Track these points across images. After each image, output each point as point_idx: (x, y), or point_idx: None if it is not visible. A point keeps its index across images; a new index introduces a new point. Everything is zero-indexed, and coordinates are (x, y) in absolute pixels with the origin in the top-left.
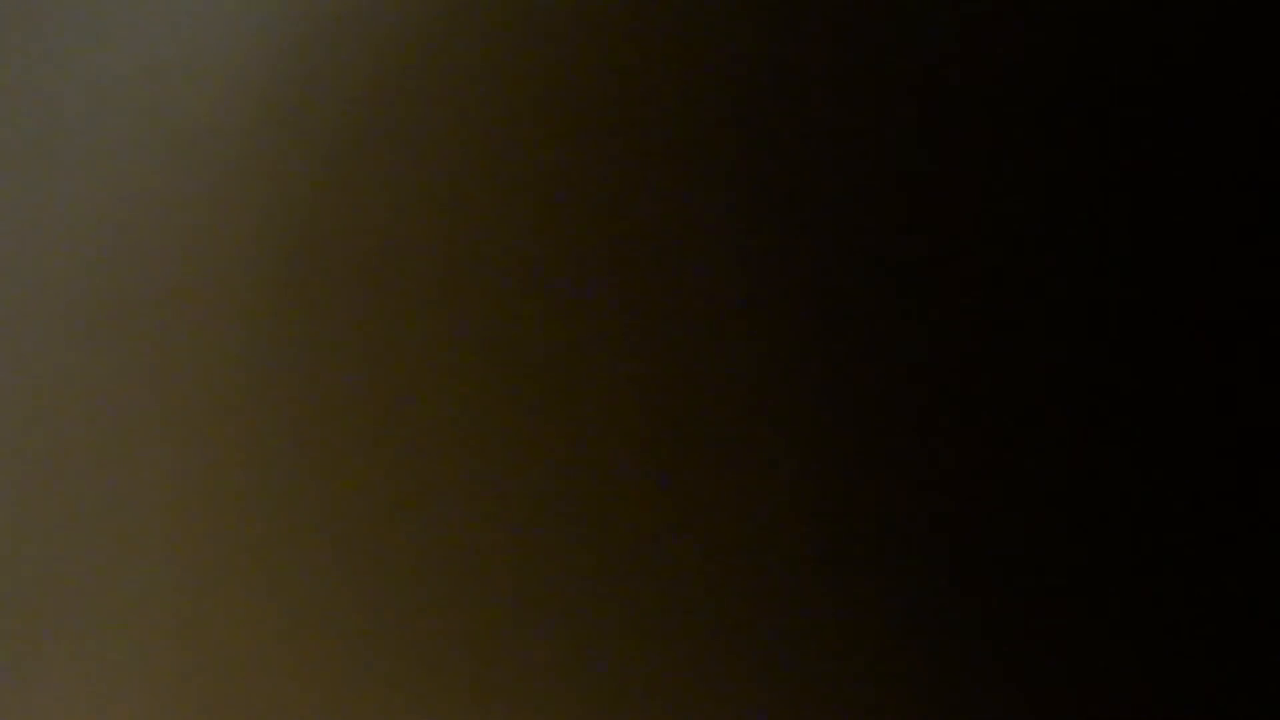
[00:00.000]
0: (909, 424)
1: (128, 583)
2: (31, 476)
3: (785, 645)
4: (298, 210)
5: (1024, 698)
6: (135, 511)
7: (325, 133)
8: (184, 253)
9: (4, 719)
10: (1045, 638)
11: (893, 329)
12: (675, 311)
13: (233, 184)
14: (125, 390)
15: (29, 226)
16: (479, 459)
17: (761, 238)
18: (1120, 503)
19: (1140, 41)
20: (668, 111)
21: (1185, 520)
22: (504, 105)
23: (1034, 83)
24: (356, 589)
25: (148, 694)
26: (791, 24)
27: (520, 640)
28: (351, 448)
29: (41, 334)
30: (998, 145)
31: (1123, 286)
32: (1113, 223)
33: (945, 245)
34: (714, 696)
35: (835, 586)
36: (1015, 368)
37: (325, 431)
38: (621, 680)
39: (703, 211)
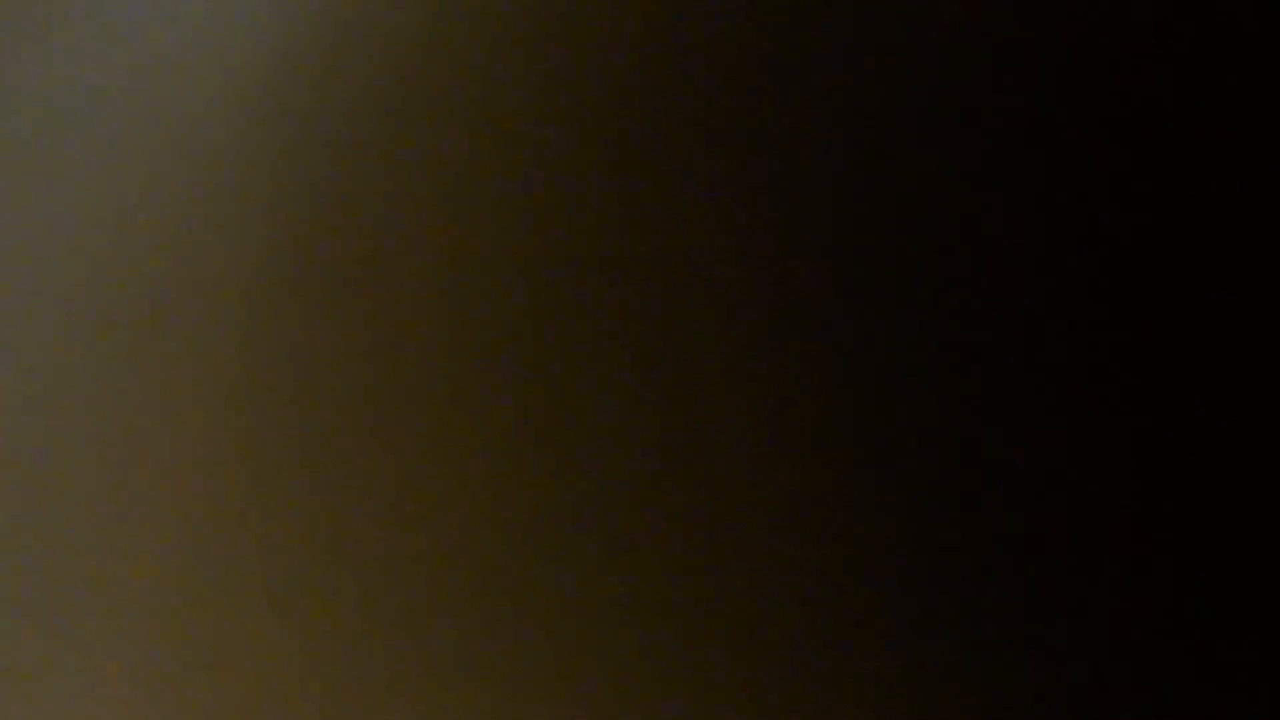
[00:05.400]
0: (913, 428)
1: (128, 583)
2: (32, 476)
3: (787, 649)
4: (298, 210)
5: (1027, 701)
6: (135, 511)
7: (326, 132)
8: (184, 252)
9: (3, 719)
10: (1049, 641)
11: (896, 331)
12: (677, 312)
13: (233, 184)
14: (125, 390)
15: (29, 226)
16: (480, 460)
17: (764, 239)
18: (1128, 508)
19: (1140, 41)
20: (669, 111)
21: (1188, 522)
22: (505, 104)
23: (1035, 81)
24: (358, 589)
25: (148, 694)
26: (793, 22)
27: (522, 642)
28: (353, 447)
29: (41, 334)
30: (1000, 144)
31: (1128, 288)
32: (1118, 224)
33: (949, 246)
34: (716, 700)
35: (838, 588)
36: (1020, 370)
37: (326, 431)
38: (623, 683)
39: (705, 212)
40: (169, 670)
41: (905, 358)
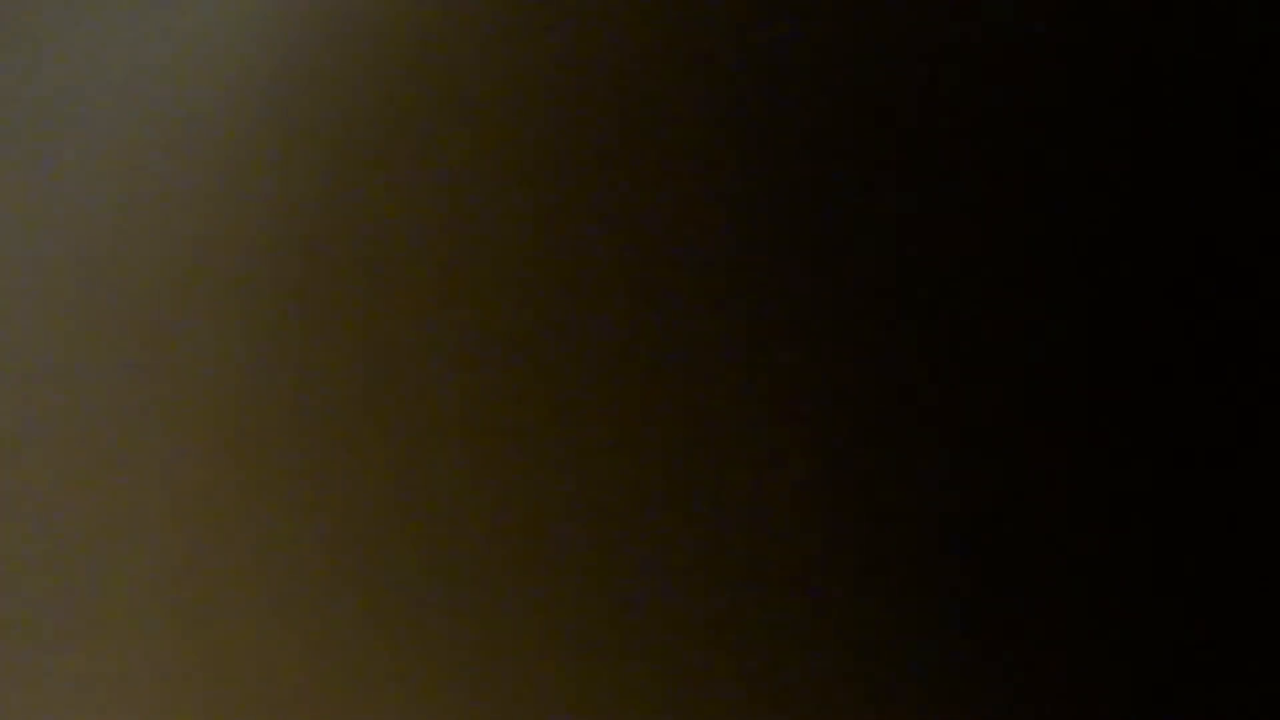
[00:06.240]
0: (916, 424)
1: (128, 583)
2: (31, 476)
3: (789, 648)
4: (299, 209)
5: (1030, 701)
6: (135, 511)
7: (326, 132)
8: (185, 252)
9: (4, 719)
10: (1052, 641)
11: (898, 329)
12: (678, 311)
13: (234, 184)
14: (125, 390)
15: (29, 226)
16: (481, 460)
17: (766, 236)
18: (1128, 507)
19: (1140, 41)
20: (670, 111)
21: (1188, 522)
22: (506, 104)
23: (1035, 81)
24: (358, 589)
25: (148, 694)
26: (793, 22)
27: (523, 641)
28: (353, 448)
29: (42, 334)
30: (1000, 144)
31: (1128, 289)
32: (1118, 224)
33: (949, 245)
34: (716, 700)
35: (841, 589)
36: (1021, 368)
37: (327, 431)
38: (624, 683)
39: (705, 211)
40: (169, 670)
41: (905, 358)
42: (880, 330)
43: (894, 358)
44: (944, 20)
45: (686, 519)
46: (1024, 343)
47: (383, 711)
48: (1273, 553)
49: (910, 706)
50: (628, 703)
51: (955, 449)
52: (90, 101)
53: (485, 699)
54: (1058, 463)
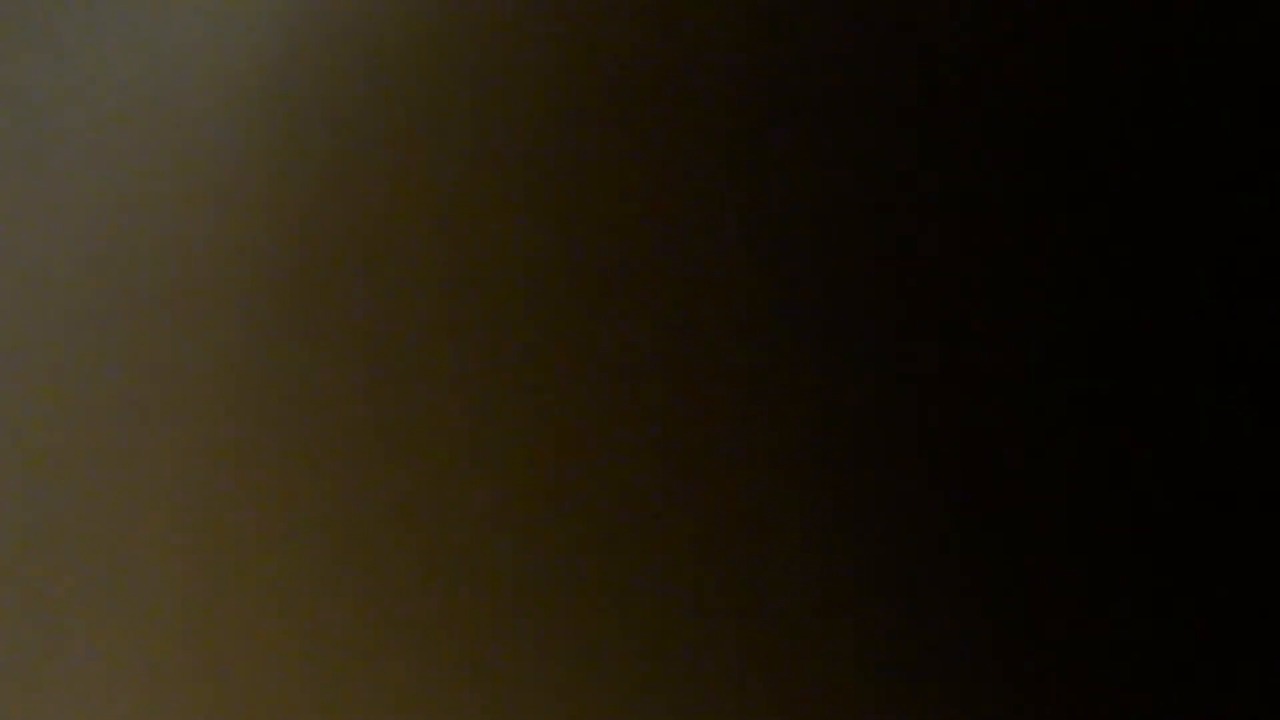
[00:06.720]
0: (911, 424)
1: (129, 583)
2: (32, 476)
3: (786, 646)
4: (299, 210)
5: (1025, 700)
6: (136, 511)
7: (326, 132)
8: (185, 253)
9: (4, 719)
10: (1047, 639)
11: (894, 328)
12: (676, 311)
13: (233, 184)
14: (126, 390)
15: (29, 226)
16: (481, 460)
17: (763, 236)
18: (1124, 505)
19: (1140, 41)
20: (669, 110)
21: (1188, 523)
22: (505, 103)
23: (1035, 82)
24: (359, 590)
25: (149, 694)
26: (794, 21)
27: (522, 641)
28: (354, 448)
29: (42, 334)
30: (999, 145)
31: (1127, 288)
32: (1117, 224)
33: (946, 243)
34: (715, 699)
35: (837, 585)
36: (1018, 368)
37: (328, 432)
38: (622, 683)
39: (704, 211)
40: (170, 670)
41: (905, 360)
42: (881, 330)
43: (894, 358)
44: (944, 19)
45: (687, 520)
46: (1025, 343)
47: (383, 712)
48: (1273, 552)
49: (911, 706)
50: (628, 702)
51: (956, 449)
52: (89, 102)
53: (486, 699)
54: (1058, 462)
